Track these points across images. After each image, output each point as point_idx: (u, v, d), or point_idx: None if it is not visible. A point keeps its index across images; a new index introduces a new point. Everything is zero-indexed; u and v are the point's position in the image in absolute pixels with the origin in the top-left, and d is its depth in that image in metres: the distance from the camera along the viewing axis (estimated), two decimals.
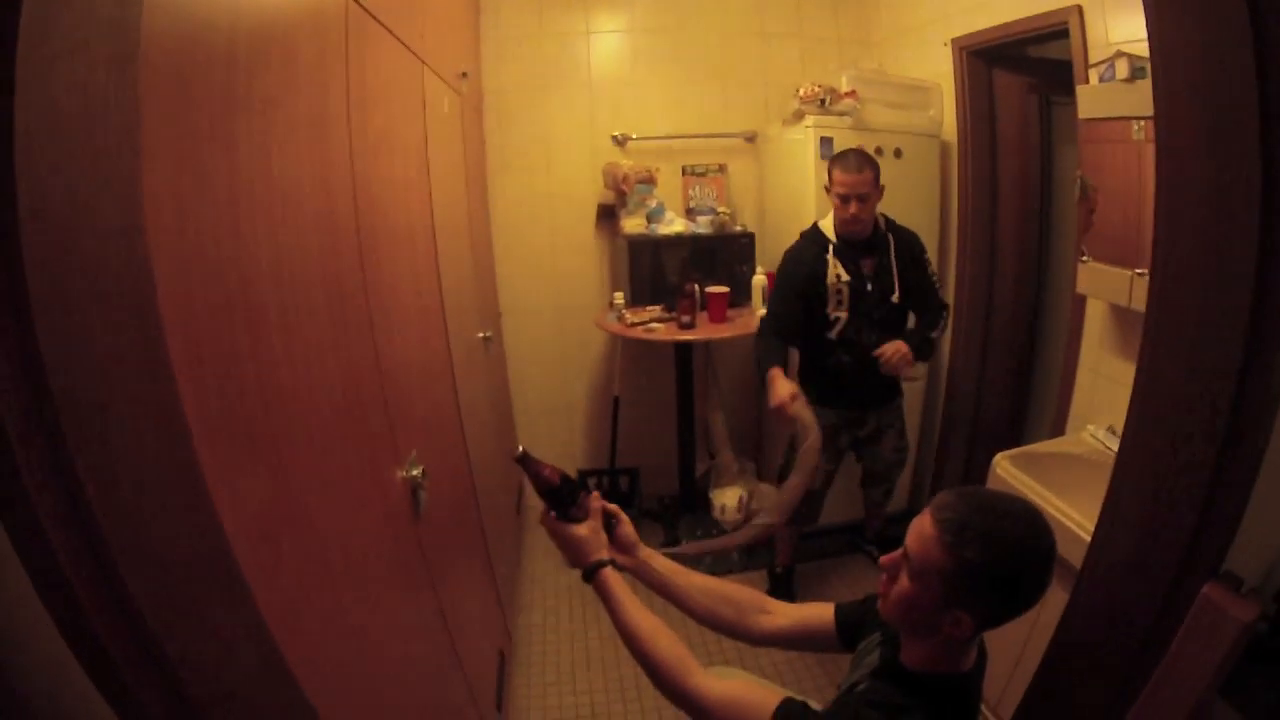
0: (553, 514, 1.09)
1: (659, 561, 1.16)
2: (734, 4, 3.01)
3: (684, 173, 3.06)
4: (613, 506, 1.15)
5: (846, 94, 2.54)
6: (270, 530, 0.69)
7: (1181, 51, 0.79)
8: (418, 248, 1.47)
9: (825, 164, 2.19)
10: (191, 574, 0.54)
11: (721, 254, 2.92)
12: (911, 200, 2.56)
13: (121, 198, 0.49)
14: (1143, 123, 1.69)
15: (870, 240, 2.15)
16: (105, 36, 0.48)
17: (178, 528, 0.53)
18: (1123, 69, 1.75)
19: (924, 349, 2.16)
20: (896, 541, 0.95)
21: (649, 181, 2.94)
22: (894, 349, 2.09)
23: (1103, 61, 1.83)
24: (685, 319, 2.62)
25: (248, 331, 0.68)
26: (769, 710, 0.90)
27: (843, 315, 2.14)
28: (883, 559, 0.95)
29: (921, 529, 0.89)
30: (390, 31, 1.29)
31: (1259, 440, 0.76)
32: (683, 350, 2.84)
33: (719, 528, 2.87)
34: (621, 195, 2.94)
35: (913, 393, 2.69)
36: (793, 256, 2.20)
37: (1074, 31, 2.01)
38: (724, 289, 2.71)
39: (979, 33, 2.47)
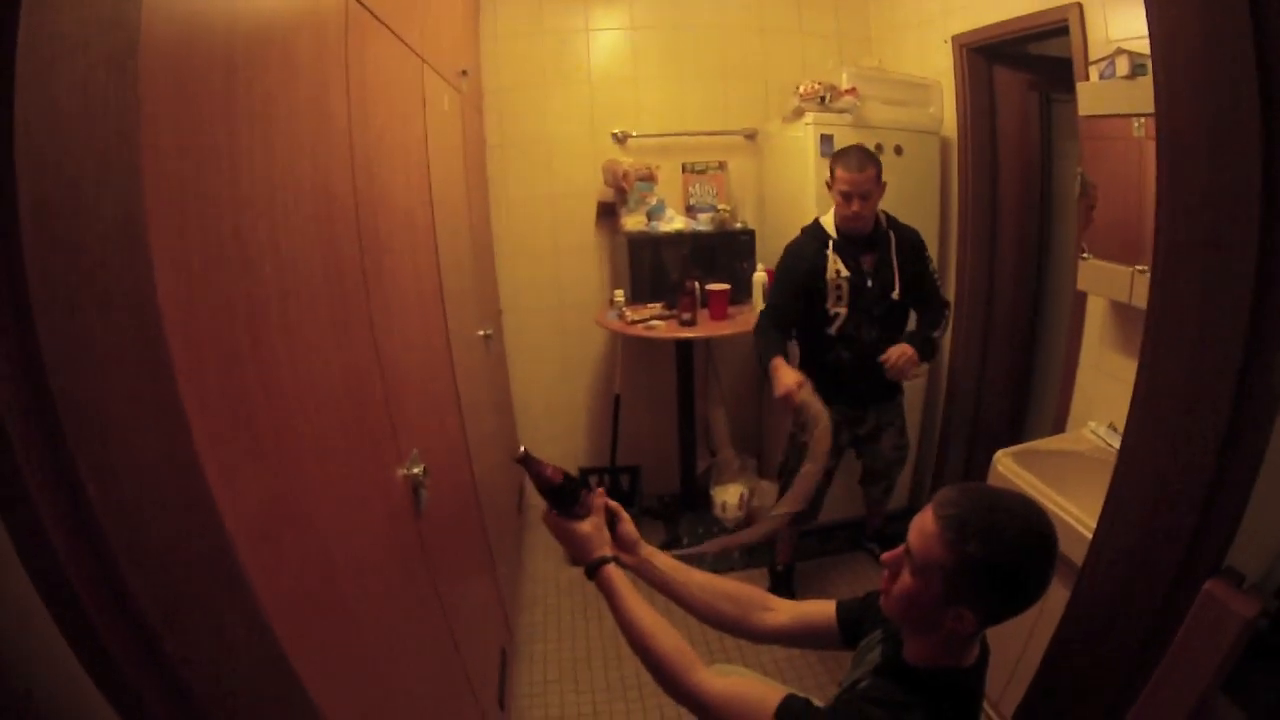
0: (555, 512, 1.10)
1: (660, 559, 1.17)
2: (734, 1, 3.00)
3: (684, 170, 3.06)
4: (614, 504, 1.16)
5: (847, 91, 2.53)
6: (271, 529, 0.69)
7: (1182, 49, 0.79)
8: (418, 245, 1.47)
9: (825, 161, 2.19)
10: (192, 573, 0.54)
11: (722, 251, 2.92)
12: (911, 197, 2.56)
13: (122, 197, 0.49)
14: (1143, 120, 1.69)
15: (871, 236, 2.15)
16: (105, 36, 0.48)
17: (178, 527, 0.53)
18: (1123, 66, 1.75)
19: (927, 350, 2.15)
20: (897, 539, 0.95)
21: (649, 179, 2.94)
22: (899, 353, 2.08)
23: (1103, 58, 1.83)
24: (686, 316, 2.62)
25: (248, 330, 0.68)
26: (771, 707, 0.90)
27: (842, 311, 2.14)
28: (885, 555, 0.95)
29: (923, 525, 0.89)
30: (389, 28, 1.29)
31: (1259, 439, 0.76)
32: (683, 348, 2.84)
33: (720, 525, 2.87)
34: (622, 193, 2.94)
35: (913, 390, 2.69)
36: (793, 251, 2.20)
37: (1074, 28, 2.01)
38: (725, 286, 2.71)
39: (979, 30, 2.47)
